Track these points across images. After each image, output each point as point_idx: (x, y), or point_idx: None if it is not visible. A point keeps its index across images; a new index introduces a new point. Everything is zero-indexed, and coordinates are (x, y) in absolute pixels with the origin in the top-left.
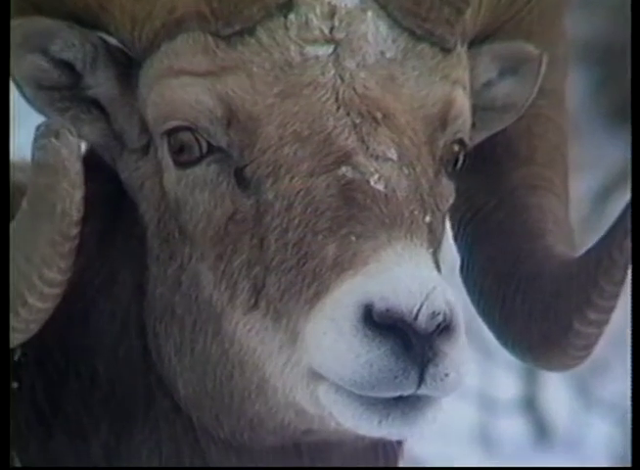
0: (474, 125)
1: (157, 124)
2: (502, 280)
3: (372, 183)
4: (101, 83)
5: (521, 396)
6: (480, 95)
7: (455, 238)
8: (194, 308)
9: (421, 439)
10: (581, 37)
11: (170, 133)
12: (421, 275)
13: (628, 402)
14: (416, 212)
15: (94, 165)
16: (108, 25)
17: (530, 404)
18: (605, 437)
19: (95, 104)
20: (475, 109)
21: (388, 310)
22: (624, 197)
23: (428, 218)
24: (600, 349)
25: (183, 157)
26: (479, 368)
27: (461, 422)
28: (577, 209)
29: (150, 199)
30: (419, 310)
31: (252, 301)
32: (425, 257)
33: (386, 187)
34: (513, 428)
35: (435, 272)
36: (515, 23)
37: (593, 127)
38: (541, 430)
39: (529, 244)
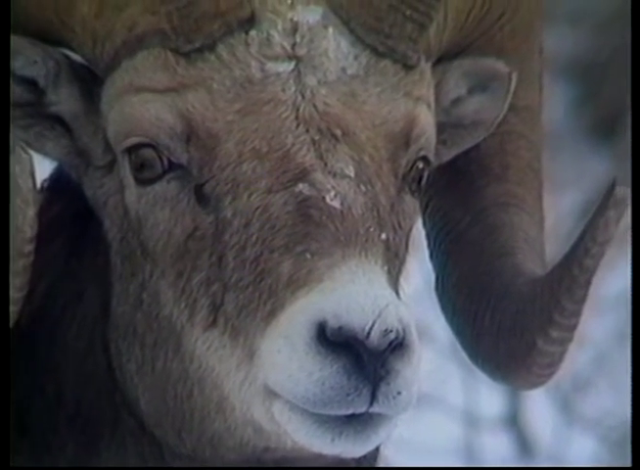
0: (444, 142)
1: (117, 141)
2: (473, 298)
3: (328, 200)
4: (64, 100)
5: (504, 412)
6: (449, 112)
7: (431, 256)
8: (154, 326)
9: (405, 454)
10: (563, 53)
11: (131, 150)
12: (374, 293)
13: (610, 419)
14: (372, 230)
15: (61, 183)
16: (70, 42)
17: (514, 421)
18: (587, 453)
19: (59, 121)
20: (444, 125)
21: (340, 328)
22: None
23: (384, 236)
24: (582, 366)
25: (144, 174)
26: (462, 385)
27: (445, 438)
28: (560, 224)
29: (113, 216)
30: (371, 328)
31: (211, 318)
32: (379, 274)
33: (342, 204)
34: (497, 444)
35: (389, 290)
36: (486, 39)
37: (575, 143)
38: (524, 446)
39: (499, 262)
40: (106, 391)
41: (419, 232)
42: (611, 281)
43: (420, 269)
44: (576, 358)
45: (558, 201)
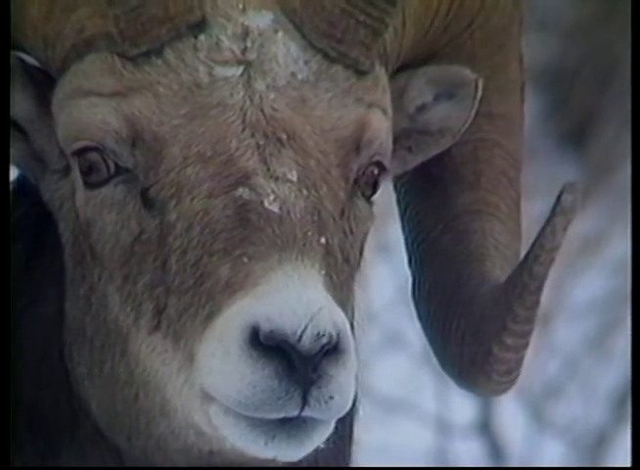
0: (410, 149)
1: (66, 144)
2: (444, 305)
3: (267, 204)
4: (18, 104)
5: (476, 419)
6: (415, 118)
7: (409, 261)
8: (102, 330)
9: (378, 460)
10: (534, 61)
11: (79, 153)
12: (307, 297)
13: (580, 425)
14: (310, 234)
15: (26, 186)
16: (23, 45)
17: (486, 428)
18: (557, 459)
19: (13, 124)
20: (410, 132)
21: (272, 332)
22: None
23: (323, 240)
24: (552, 373)
25: (92, 177)
26: (435, 392)
27: (418, 446)
28: (531, 232)
29: (67, 220)
30: (303, 332)
31: (155, 322)
32: (315, 278)
33: (280, 208)
34: (469, 450)
35: (325, 294)
36: (455, 46)
37: (545, 151)
38: (496, 452)
39: (468, 269)
40: (64, 395)
41: (390, 239)
42: (581, 288)
43: (393, 276)
44: (547, 365)
45: (529, 208)
